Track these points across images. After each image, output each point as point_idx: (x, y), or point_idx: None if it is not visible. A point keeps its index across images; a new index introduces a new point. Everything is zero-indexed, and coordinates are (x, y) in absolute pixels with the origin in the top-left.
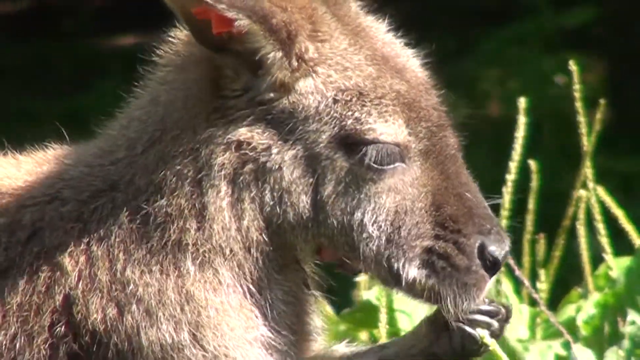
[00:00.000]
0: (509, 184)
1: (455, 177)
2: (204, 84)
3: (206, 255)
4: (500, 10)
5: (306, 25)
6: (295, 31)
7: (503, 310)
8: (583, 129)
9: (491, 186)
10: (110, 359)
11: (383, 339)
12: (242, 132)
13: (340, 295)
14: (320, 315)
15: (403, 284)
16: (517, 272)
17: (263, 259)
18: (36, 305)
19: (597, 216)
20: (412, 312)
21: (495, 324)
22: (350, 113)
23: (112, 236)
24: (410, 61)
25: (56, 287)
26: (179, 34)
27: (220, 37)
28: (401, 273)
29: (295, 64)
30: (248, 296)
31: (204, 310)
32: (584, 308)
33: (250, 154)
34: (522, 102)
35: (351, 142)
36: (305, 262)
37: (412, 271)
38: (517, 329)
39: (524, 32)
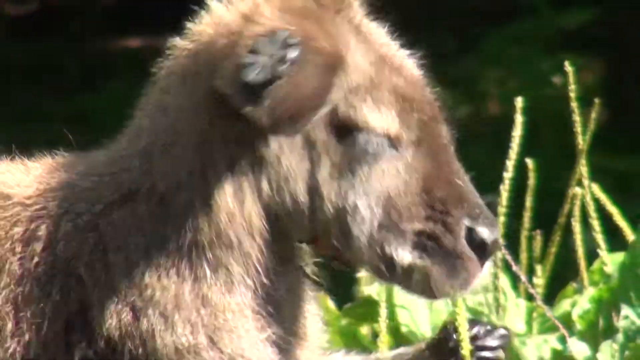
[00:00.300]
0: (507, 182)
1: (447, 165)
2: (208, 92)
3: (218, 253)
4: (500, 11)
5: (318, 29)
6: (313, 37)
7: (507, 333)
8: (578, 128)
9: (490, 183)
10: None
11: (383, 333)
12: (240, 123)
13: (342, 290)
14: (320, 316)
15: (397, 269)
16: (514, 268)
17: (266, 248)
18: (51, 312)
19: (592, 213)
20: (412, 307)
21: (502, 355)
22: (345, 98)
23: (130, 244)
24: (407, 61)
25: (71, 294)
26: (181, 42)
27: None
28: (395, 257)
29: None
30: (258, 291)
31: (221, 313)
32: (579, 303)
33: (247, 143)
34: (519, 101)
35: (346, 129)
36: (305, 259)
37: (406, 255)
38: (514, 323)
39: (523, 33)
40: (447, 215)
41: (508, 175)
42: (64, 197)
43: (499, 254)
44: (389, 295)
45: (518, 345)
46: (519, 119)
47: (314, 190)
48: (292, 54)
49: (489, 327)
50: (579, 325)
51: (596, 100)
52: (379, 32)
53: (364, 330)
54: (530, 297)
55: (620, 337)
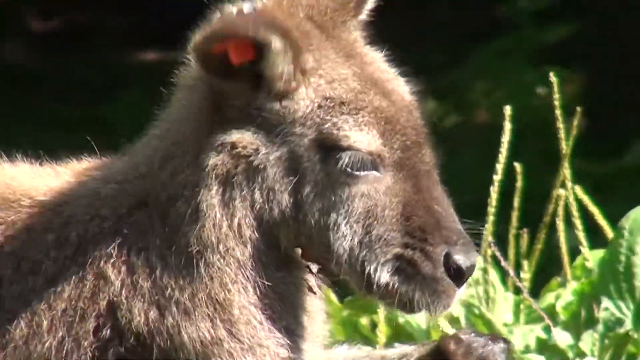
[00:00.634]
0: (496, 184)
1: (427, 191)
2: (208, 100)
3: (213, 258)
4: (488, 27)
5: (304, 39)
6: (299, 45)
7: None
8: (562, 135)
9: (479, 186)
10: (155, 358)
11: (382, 323)
12: (235, 135)
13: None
14: (324, 311)
15: (375, 288)
16: (503, 263)
17: (260, 256)
18: (81, 310)
19: (575, 213)
20: None
21: None
22: (329, 118)
23: (150, 247)
24: (400, 87)
25: (100, 294)
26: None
27: (236, 65)
28: (373, 277)
29: (297, 75)
30: (259, 289)
31: (231, 308)
32: (562, 295)
33: (242, 154)
34: (507, 110)
35: (329, 147)
36: (304, 263)
37: (384, 276)
38: (502, 314)
39: (508, 47)
40: (425, 243)
41: (497, 177)
42: (90, 204)
43: (489, 251)
44: None
45: (506, 335)
46: (507, 126)
47: (298, 203)
48: (247, 9)
49: (490, 338)
50: (562, 316)
51: (578, 109)
52: (375, 58)
53: (364, 320)
54: (517, 290)
55: (600, 327)
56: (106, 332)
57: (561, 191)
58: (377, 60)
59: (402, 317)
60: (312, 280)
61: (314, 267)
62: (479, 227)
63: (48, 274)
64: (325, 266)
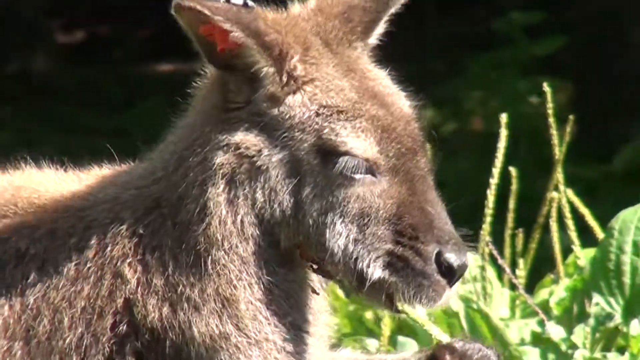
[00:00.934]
0: (493, 187)
1: (421, 194)
2: (215, 101)
3: (218, 255)
4: (483, 40)
5: (298, 48)
6: (286, 51)
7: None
8: (555, 141)
9: (475, 189)
10: (168, 352)
11: (386, 318)
12: (239, 136)
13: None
14: (328, 311)
15: (367, 284)
16: (500, 261)
17: (261, 253)
18: (99, 308)
19: (567, 214)
20: None
21: None
22: (327, 125)
23: (163, 246)
24: (400, 100)
25: (117, 292)
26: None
27: (224, 54)
28: (366, 272)
29: (285, 79)
30: (263, 286)
31: (237, 304)
32: (555, 292)
33: (245, 155)
34: (503, 117)
35: (327, 152)
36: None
37: (377, 271)
38: (499, 309)
39: (502, 59)
40: (417, 241)
41: (494, 181)
42: (110, 209)
43: (486, 249)
44: None
45: (502, 328)
46: (503, 132)
47: (298, 204)
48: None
49: (481, 348)
50: (555, 311)
51: (570, 117)
52: (378, 74)
53: (369, 315)
54: (513, 287)
55: (591, 321)
56: (123, 328)
57: (554, 194)
58: (379, 76)
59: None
60: (314, 280)
61: (312, 266)
62: (473, 233)
63: (69, 274)
64: (322, 267)
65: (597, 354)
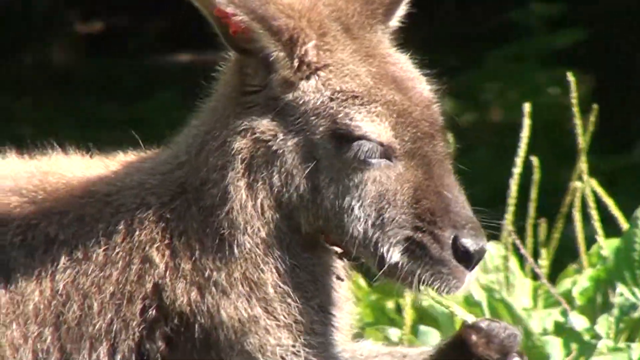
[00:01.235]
0: (516, 176)
1: (438, 178)
2: (234, 84)
3: (243, 239)
4: (502, 32)
5: (312, 33)
6: (297, 36)
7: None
8: (579, 130)
9: (494, 179)
10: (197, 336)
11: (408, 307)
12: (255, 121)
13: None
14: (351, 300)
15: (385, 266)
16: (522, 251)
17: (283, 237)
18: (129, 293)
19: (591, 204)
20: None
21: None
22: (342, 109)
23: (189, 231)
24: (420, 84)
25: (146, 277)
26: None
27: (237, 37)
28: (385, 256)
29: (296, 64)
30: (288, 270)
31: (265, 287)
32: (579, 281)
33: (261, 139)
34: (526, 107)
35: (342, 136)
36: (331, 249)
37: (395, 256)
38: (521, 299)
39: (521, 51)
40: (434, 226)
41: (517, 170)
42: (137, 194)
43: (509, 239)
44: None
45: (525, 318)
46: (526, 122)
47: (315, 188)
48: None
49: (507, 326)
50: (578, 301)
51: (594, 106)
52: (399, 58)
53: (390, 304)
54: (535, 277)
55: (615, 311)
56: (152, 313)
57: (578, 183)
58: (400, 60)
59: (427, 301)
60: (339, 267)
61: (337, 251)
62: (493, 217)
63: (98, 260)
64: (346, 250)
65: (621, 344)
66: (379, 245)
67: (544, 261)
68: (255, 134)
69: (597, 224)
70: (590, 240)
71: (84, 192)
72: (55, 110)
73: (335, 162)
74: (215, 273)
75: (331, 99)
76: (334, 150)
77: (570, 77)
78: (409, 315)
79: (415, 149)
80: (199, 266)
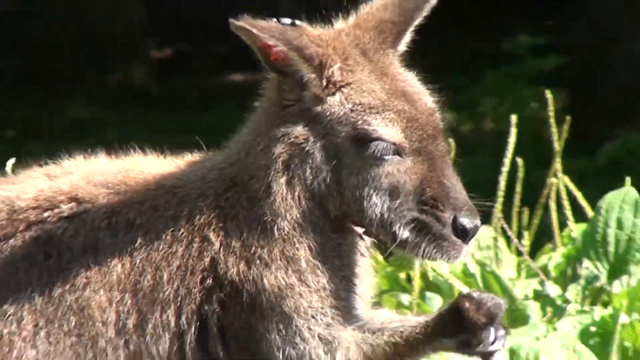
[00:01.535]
0: (504, 174)
1: (440, 170)
2: (274, 100)
3: (280, 223)
4: (497, 57)
5: (337, 58)
6: (325, 60)
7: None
8: (555, 137)
9: (488, 178)
10: (245, 300)
11: (416, 277)
12: (291, 128)
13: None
14: (372, 273)
15: (397, 241)
16: (509, 233)
17: (317, 222)
18: (191, 266)
19: (564, 196)
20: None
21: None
22: (361, 118)
23: (239, 216)
24: (425, 96)
25: (205, 253)
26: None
27: (277, 62)
28: (397, 234)
29: (324, 83)
30: (319, 248)
31: (299, 262)
32: (553, 258)
33: (296, 143)
34: (514, 118)
35: (361, 138)
36: (355, 230)
37: (405, 233)
38: (507, 272)
39: (512, 72)
40: (437, 209)
41: (505, 169)
42: (198, 187)
43: (498, 224)
44: None
45: (510, 287)
46: (513, 131)
47: (338, 181)
48: (286, 22)
49: (493, 297)
50: (553, 273)
51: (567, 118)
52: (407, 76)
53: (403, 275)
54: (519, 253)
55: (582, 281)
56: (209, 282)
57: (553, 179)
58: (408, 78)
59: (432, 272)
60: (362, 245)
61: (360, 230)
62: (485, 202)
63: (167, 239)
64: (368, 230)
65: (586, 308)
66: (392, 225)
67: (526, 241)
68: (290, 138)
69: (568, 212)
70: (563, 225)
71: (157, 185)
72: (135, 120)
73: (356, 159)
74: (259, 250)
75: (352, 110)
76: (354, 150)
77: (549, 94)
78: (417, 284)
79: (421, 147)
80: (246, 244)
